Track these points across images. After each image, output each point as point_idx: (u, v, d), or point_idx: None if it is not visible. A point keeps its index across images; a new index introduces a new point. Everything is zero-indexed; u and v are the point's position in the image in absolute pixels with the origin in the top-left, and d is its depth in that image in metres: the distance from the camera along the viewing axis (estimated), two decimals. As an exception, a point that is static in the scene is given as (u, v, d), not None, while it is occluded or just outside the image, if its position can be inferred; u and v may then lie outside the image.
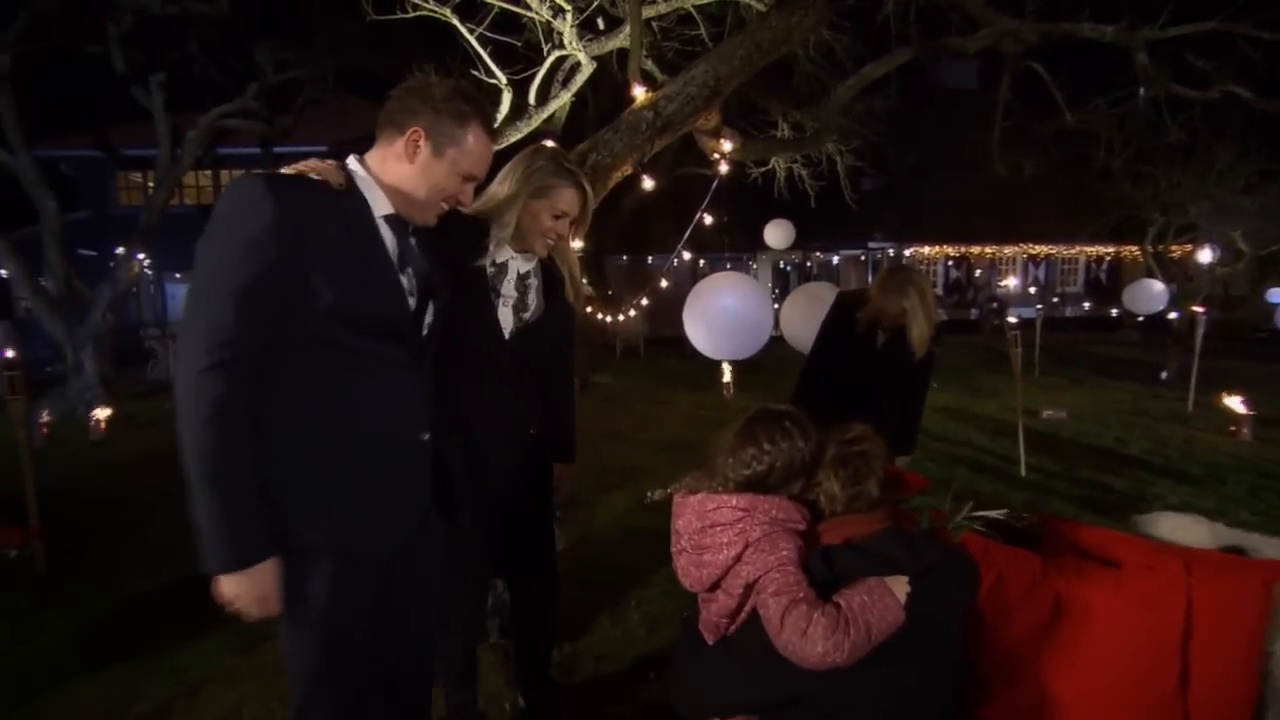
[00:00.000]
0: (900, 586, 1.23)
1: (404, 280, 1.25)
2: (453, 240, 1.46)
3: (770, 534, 1.28)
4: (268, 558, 1.11)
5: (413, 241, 1.29)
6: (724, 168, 3.61)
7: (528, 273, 1.65)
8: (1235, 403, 6.03)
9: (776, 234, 10.36)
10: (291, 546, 1.16)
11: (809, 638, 1.17)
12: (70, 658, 2.58)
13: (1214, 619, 1.40)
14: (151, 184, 10.57)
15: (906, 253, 17.84)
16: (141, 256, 9.20)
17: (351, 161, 1.25)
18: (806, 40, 4.49)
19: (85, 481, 5.25)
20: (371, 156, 1.25)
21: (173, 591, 3.20)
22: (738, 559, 1.29)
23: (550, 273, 1.70)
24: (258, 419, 1.11)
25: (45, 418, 6.72)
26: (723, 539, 1.30)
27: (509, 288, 1.61)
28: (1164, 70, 5.18)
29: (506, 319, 1.61)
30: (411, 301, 1.26)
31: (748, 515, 1.29)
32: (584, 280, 1.77)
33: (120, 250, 9.11)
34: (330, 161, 1.25)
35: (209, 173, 15.01)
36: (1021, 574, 1.51)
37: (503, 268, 1.60)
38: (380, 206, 1.23)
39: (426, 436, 1.30)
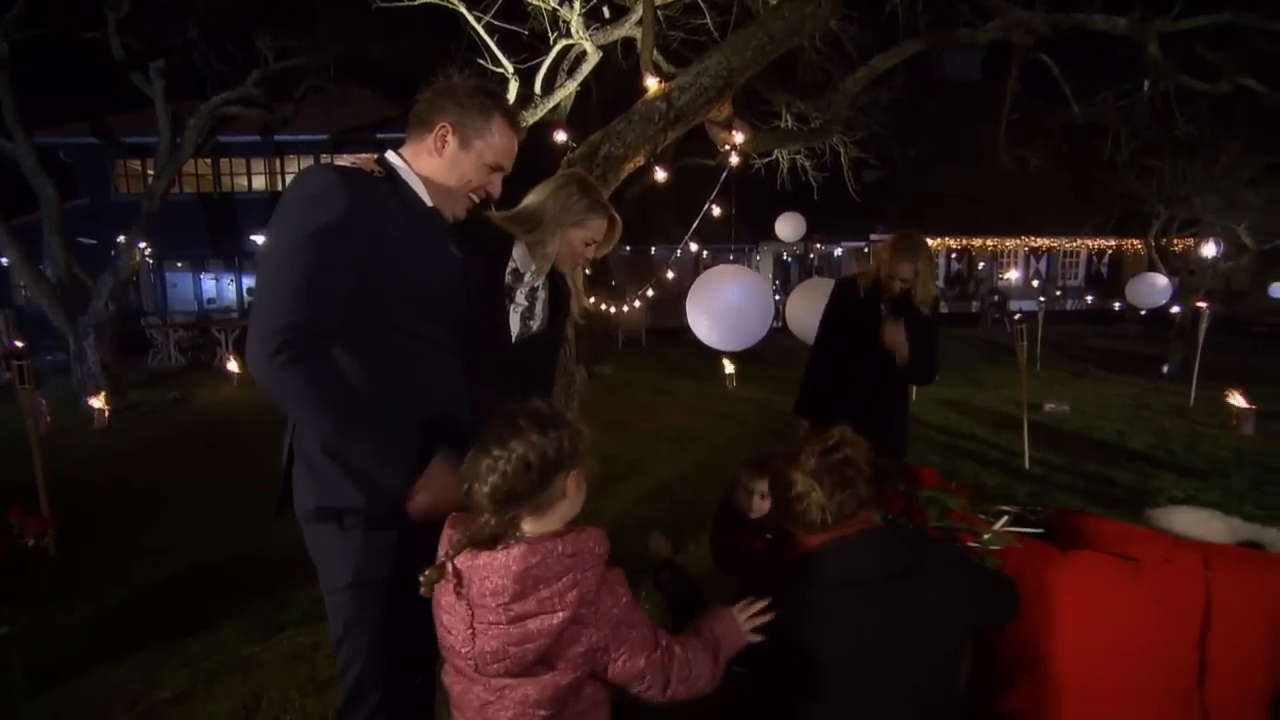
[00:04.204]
0: (745, 613, 1.26)
1: None
2: (480, 245, 1.54)
3: (603, 577, 1.09)
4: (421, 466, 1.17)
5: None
6: (734, 159, 3.60)
7: (538, 285, 1.72)
8: (1237, 397, 6.05)
9: (787, 226, 10.32)
10: (349, 518, 1.20)
11: (694, 677, 1.15)
12: (86, 645, 2.61)
13: (1233, 614, 1.41)
14: (151, 172, 10.51)
15: (909, 245, 17.78)
16: (143, 245, 9.16)
17: (392, 156, 1.30)
18: (820, 31, 4.46)
19: (91, 470, 5.26)
20: (405, 152, 1.31)
21: (185, 580, 3.23)
22: (573, 619, 1.04)
23: (557, 287, 1.76)
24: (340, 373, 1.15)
25: (46, 406, 6.72)
26: (550, 596, 1.03)
27: (521, 296, 1.69)
28: (1173, 62, 5.16)
29: (514, 325, 1.68)
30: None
31: (575, 559, 1.05)
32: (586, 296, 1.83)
33: (121, 238, 9.08)
34: (368, 156, 1.30)
35: (209, 160, 14.93)
36: (1040, 568, 1.53)
37: (519, 276, 1.68)
38: (424, 198, 1.30)
39: (468, 418, 1.33)
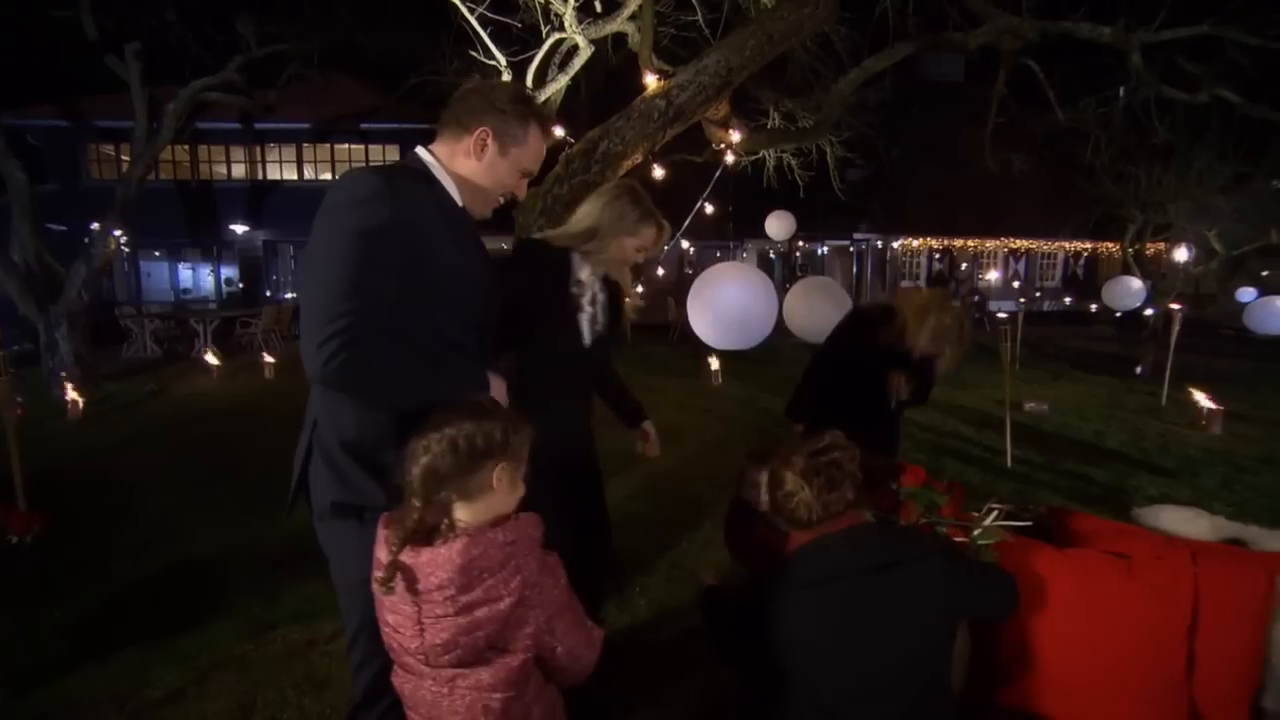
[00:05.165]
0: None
1: None
2: (542, 269, 1.74)
3: (543, 560, 1.13)
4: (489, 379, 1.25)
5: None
6: (730, 158, 3.62)
7: (598, 291, 1.92)
8: (1205, 398, 6.25)
9: (777, 225, 10.36)
10: (369, 513, 1.20)
11: (593, 640, 1.20)
12: (72, 644, 2.54)
13: (1220, 609, 1.47)
14: (125, 157, 10.23)
15: (895, 244, 18.01)
16: (118, 233, 8.92)
17: (424, 154, 1.31)
18: (818, 32, 4.50)
19: (67, 464, 5.12)
20: (439, 151, 1.32)
21: (171, 577, 3.16)
22: (519, 603, 1.08)
23: (612, 290, 1.96)
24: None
25: (18, 397, 6.52)
26: (496, 584, 1.06)
27: (586, 304, 1.87)
28: (1154, 72, 5.29)
29: (585, 330, 1.88)
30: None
31: (515, 545, 1.09)
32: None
33: (95, 226, 8.82)
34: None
35: (187, 147, 14.55)
36: (1037, 565, 1.57)
37: (583, 286, 1.87)
38: (456, 198, 1.31)
39: None
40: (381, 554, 1.09)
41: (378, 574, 1.08)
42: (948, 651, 1.42)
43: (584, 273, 1.84)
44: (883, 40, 5.36)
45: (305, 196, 15.29)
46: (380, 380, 1.14)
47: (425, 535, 1.09)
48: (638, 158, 3.14)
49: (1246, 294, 12.12)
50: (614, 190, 1.87)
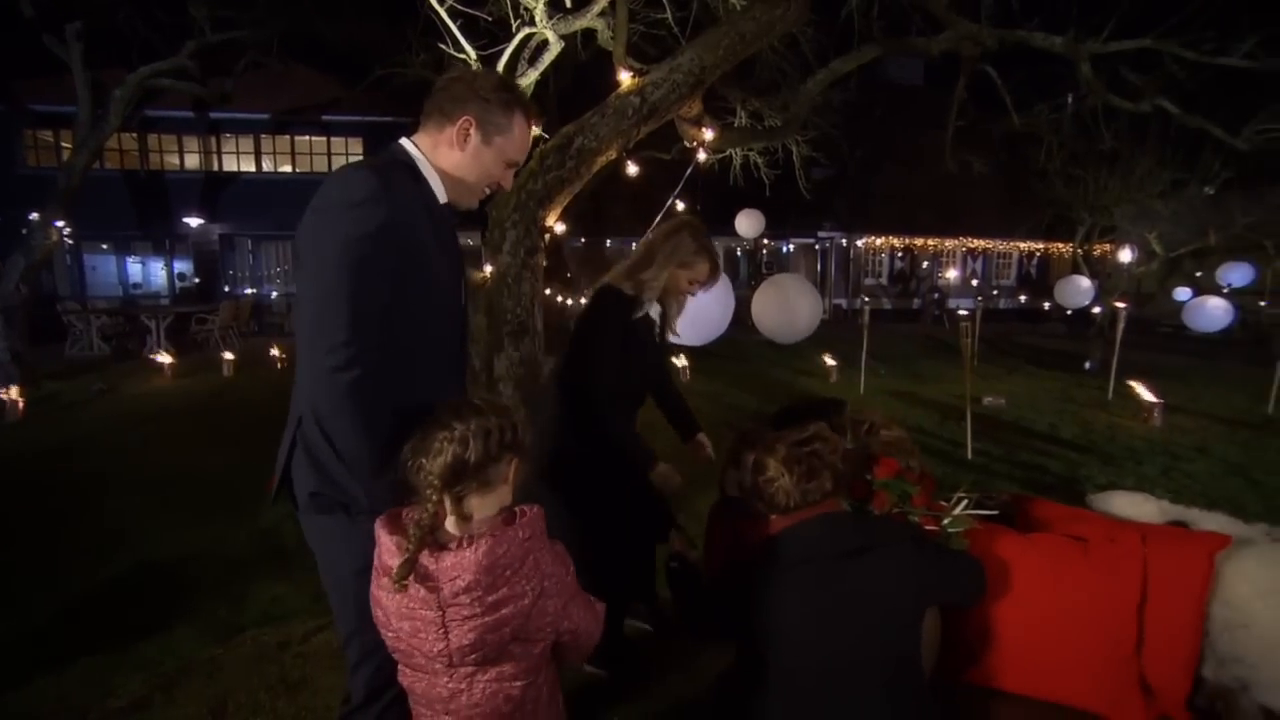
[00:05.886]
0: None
1: None
2: (639, 323, 2.05)
3: (553, 550, 1.16)
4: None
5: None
6: (702, 156, 3.66)
7: (656, 317, 2.15)
8: (1147, 392, 6.60)
9: (747, 223, 10.50)
10: (355, 506, 1.19)
11: (599, 616, 1.24)
12: (19, 657, 2.42)
13: (1166, 585, 1.57)
14: (65, 144, 9.72)
15: (859, 243, 18.42)
16: (60, 224, 8.49)
17: (409, 146, 1.27)
18: (789, 33, 4.57)
19: (7, 466, 4.87)
20: (422, 142, 1.28)
21: (126, 583, 3.04)
22: (541, 594, 1.11)
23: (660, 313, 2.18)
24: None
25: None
26: (519, 580, 1.08)
27: (654, 333, 2.15)
28: (1102, 81, 5.55)
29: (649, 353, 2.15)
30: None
31: (532, 540, 1.11)
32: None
33: (35, 216, 8.39)
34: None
35: (135, 135, 13.90)
36: (1002, 550, 1.65)
37: (652, 321, 2.13)
38: (440, 195, 1.28)
39: None
40: (389, 558, 1.07)
41: (387, 577, 1.05)
42: (917, 633, 1.49)
43: (653, 310, 2.09)
44: (848, 42, 5.49)
45: (263, 189, 14.78)
46: (376, 416, 1.13)
47: (432, 533, 1.09)
48: (612, 154, 3.15)
49: (1183, 293, 12.81)
50: (675, 224, 2.06)
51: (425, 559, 1.05)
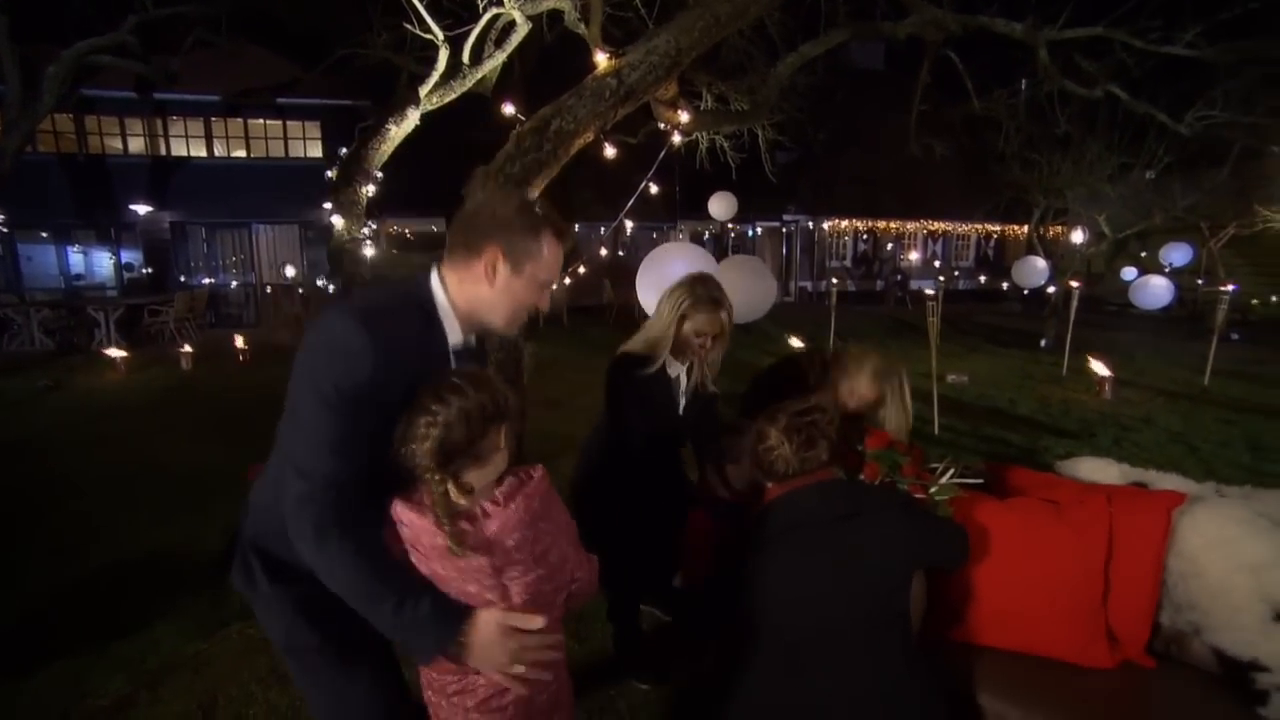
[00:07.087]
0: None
1: None
2: (653, 379, 2.04)
3: (551, 491, 1.22)
4: (462, 625, 1.12)
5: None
6: (677, 138, 3.67)
7: (679, 375, 2.12)
8: (1099, 367, 6.93)
9: (719, 205, 10.55)
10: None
11: (595, 565, 1.31)
12: (-8, 657, 2.34)
13: (1129, 541, 1.69)
14: (-2, 127, 9.12)
15: (824, 225, 18.67)
16: (-7, 212, 8.00)
17: (435, 284, 1.23)
18: (764, 15, 4.58)
19: (-46, 468, 4.64)
20: (449, 278, 1.23)
21: (96, 584, 2.95)
22: (563, 539, 1.22)
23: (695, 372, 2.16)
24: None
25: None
26: (549, 526, 1.18)
27: (678, 391, 2.13)
28: (1058, 67, 5.74)
29: (681, 404, 2.14)
30: None
31: (550, 491, 1.20)
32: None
33: (-35, 204, 7.87)
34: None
35: (71, 116, 13.09)
36: (982, 514, 1.75)
37: (677, 379, 2.10)
38: (453, 337, 1.25)
39: None
40: (430, 537, 1.11)
41: (436, 553, 1.10)
42: (906, 594, 1.57)
43: (673, 367, 2.07)
44: (814, 26, 5.54)
45: (216, 174, 14.12)
46: (347, 579, 1.11)
47: (453, 504, 1.13)
48: (589, 136, 3.13)
49: (1129, 273, 13.43)
50: (678, 282, 2.04)
51: (467, 526, 1.11)
